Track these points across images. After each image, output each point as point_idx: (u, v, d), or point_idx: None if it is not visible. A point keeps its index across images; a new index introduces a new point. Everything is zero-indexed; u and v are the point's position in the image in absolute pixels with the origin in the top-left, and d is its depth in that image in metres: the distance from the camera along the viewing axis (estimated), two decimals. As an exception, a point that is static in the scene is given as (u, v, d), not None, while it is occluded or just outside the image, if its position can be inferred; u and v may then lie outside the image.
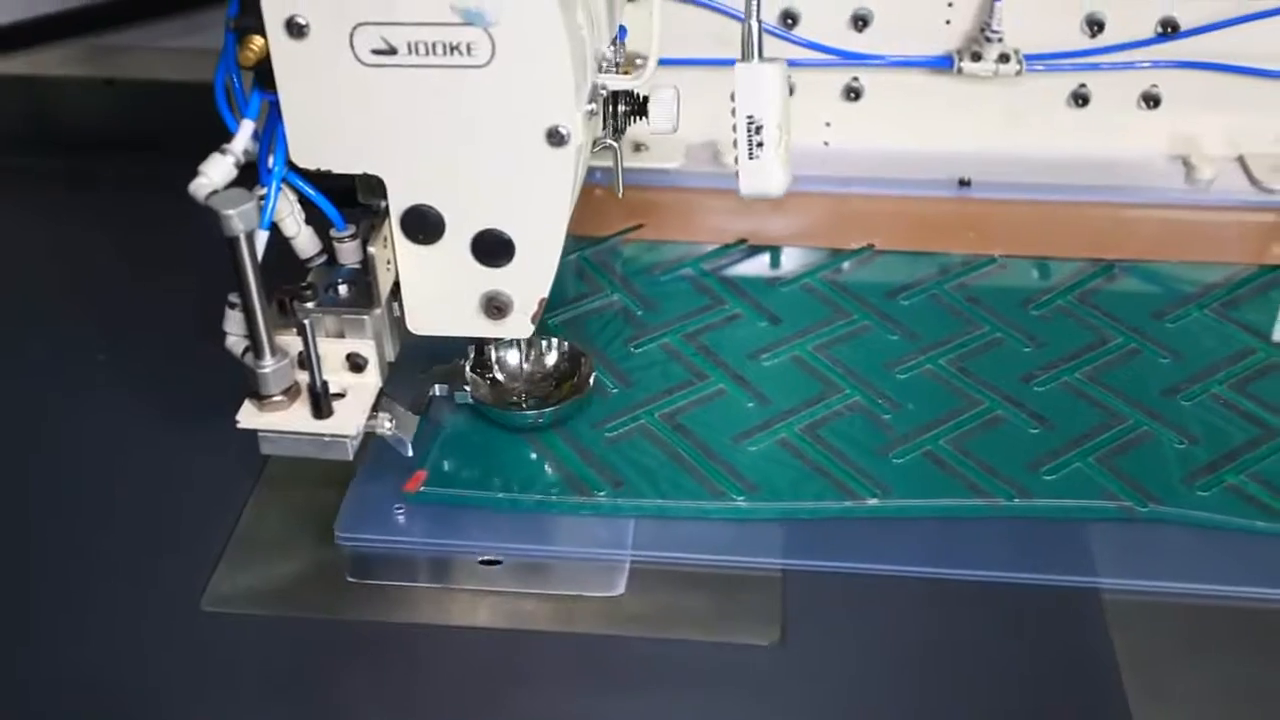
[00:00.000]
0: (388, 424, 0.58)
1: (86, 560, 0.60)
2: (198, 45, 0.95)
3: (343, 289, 0.58)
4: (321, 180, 0.55)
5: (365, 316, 0.57)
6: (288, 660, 0.56)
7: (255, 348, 0.55)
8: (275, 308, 0.57)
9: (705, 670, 0.55)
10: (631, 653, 0.55)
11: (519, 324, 0.58)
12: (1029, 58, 0.80)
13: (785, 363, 0.69)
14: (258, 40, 0.51)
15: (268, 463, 0.62)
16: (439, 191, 0.54)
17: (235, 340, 0.57)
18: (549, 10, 0.50)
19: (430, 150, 0.53)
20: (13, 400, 0.69)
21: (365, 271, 0.57)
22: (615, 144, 0.60)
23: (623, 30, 0.62)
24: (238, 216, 0.51)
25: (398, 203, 0.55)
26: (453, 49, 0.51)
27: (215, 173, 0.53)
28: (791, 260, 0.77)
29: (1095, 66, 0.80)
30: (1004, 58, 0.79)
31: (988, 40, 0.79)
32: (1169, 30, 0.79)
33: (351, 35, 0.51)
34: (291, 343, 0.56)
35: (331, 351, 0.57)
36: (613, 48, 0.59)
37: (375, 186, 0.55)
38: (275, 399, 0.56)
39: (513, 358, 0.66)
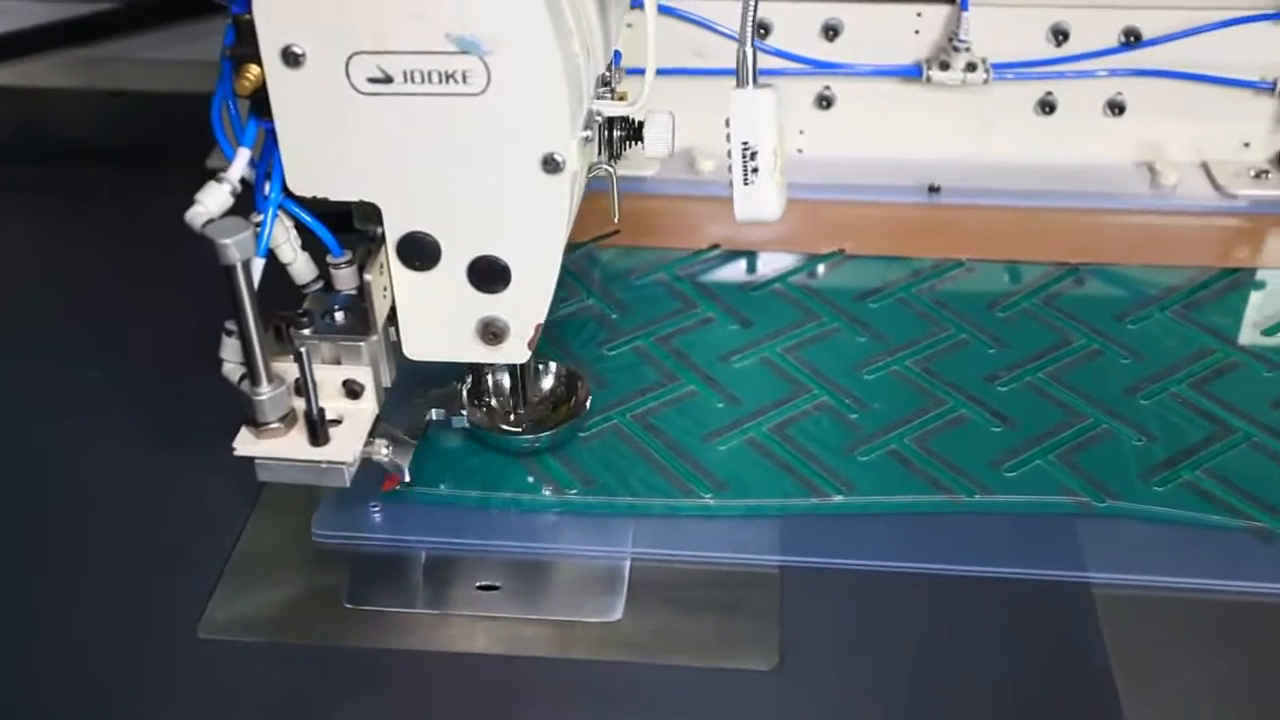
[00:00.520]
0: (384, 450, 0.59)
1: (80, 587, 0.60)
2: (188, 56, 0.96)
3: (339, 315, 0.58)
4: (318, 206, 0.55)
5: (361, 343, 0.57)
6: (284, 689, 0.56)
7: (252, 375, 0.55)
8: (271, 334, 0.57)
9: (704, 697, 0.54)
10: (630, 679, 0.55)
11: (515, 349, 0.58)
12: (996, 67, 0.82)
13: (755, 364, 0.70)
14: (254, 69, 0.52)
15: (264, 487, 0.62)
16: (435, 218, 0.55)
17: (232, 367, 0.57)
18: (544, 39, 0.50)
19: (426, 178, 0.54)
20: (4, 421, 0.69)
21: (361, 298, 0.57)
22: (611, 169, 0.60)
23: (618, 55, 0.62)
24: (234, 245, 0.51)
25: (394, 230, 0.55)
26: (448, 77, 0.51)
27: (212, 201, 0.53)
28: (764, 265, 0.78)
29: (1061, 75, 0.82)
30: (971, 67, 0.81)
31: (955, 50, 0.81)
32: (1132, 39, 0.81)
33: (347, 64, 0.51)
34: (288, 369, 0.56)
35: (328, 378, 0.58)
36: (608, 72, 0.59)
37: (372, 213, 0.55)
38: (272, 426, 0.56)
39: (509, 382, 0.65)
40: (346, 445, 0.57)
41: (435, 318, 0.58)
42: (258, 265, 0.55)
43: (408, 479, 0.61)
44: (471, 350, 0.58)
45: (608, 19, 0.59)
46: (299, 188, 0.54)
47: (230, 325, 0.56)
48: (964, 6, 0.80)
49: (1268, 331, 0.72)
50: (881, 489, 0.62)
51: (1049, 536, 0.61)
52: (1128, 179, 0.84)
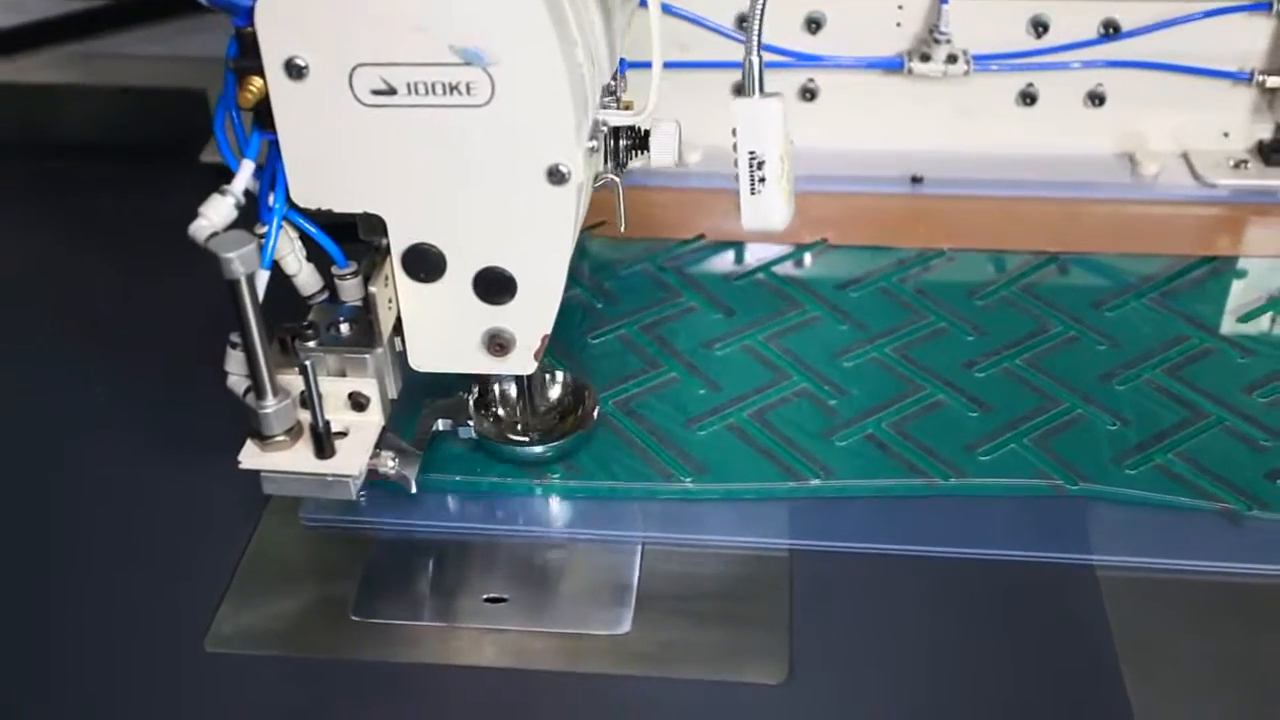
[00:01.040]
0: (390, 462, 0.59)
1: (86, 599, 0.59)
2: (180, 52, 0.97)
3: (344, 327, 0.58)
4: (323, 216, 0.55)
5: (367, 355, 0.57)
6: (291, 702, 0.55)
7: (257, 388, 0.55)
8: (277, 346, 0.57)
9: (713, 712, 0.54)
10: (638, 693, 0.55)
11: (522, 360, 0.58)
12: (977, 58, 0.83)
13: (737, 352, 0.71)
14: (256, 81, 0.52)
15: (270, 499, 0.61)
16: (440, 230, 0.55)
17: (237, 380, 0.57)
18: (548, 49, 0.50)
19: (430, 189, 0.54)
20: (9, 431, 0.69)
21: (367, 310, 0.57)
22: (617, 179, 0.59)
23: (623, 63, 0.62)
24: (238, 259, 0.50)
25: (399, 241, 0.55)
26: (452, 89, 0.51)
27: (215, 214, 0.53)
28: (747, 256, 0.79)
29: (1042, 66, 0.83)
30: (952, 58, 0.82)
31: (936, 42, 0.82)
32: (1111, 31, 0.82)
33: (351, 76, 0.51)
34: (293, 382, 0.56)
35: (333, 390, 0.58)
36: (614, 81, 0.59)
37: (376, 224, 0.55)
38: (277, 439, 0.56)
39: (516, 391, 0.65)
40: (352, 458, 0.57)
41: (441, 329, 0.58)
42: (262, 277, 0.55)
43: (414, 491, 0.61)
44: (477, 362, 0.59)
45: (612, 27, 0.59)
46: (302, 200, 0.54)
47: (235, 338, 0.56)
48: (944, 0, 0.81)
49: (1243, 318, 0.73)
50: (858, 473, 0.63)
51: (1042, 519, 0.61)
52: (1108, 169, 0.85)
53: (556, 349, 0.70)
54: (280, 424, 0.56)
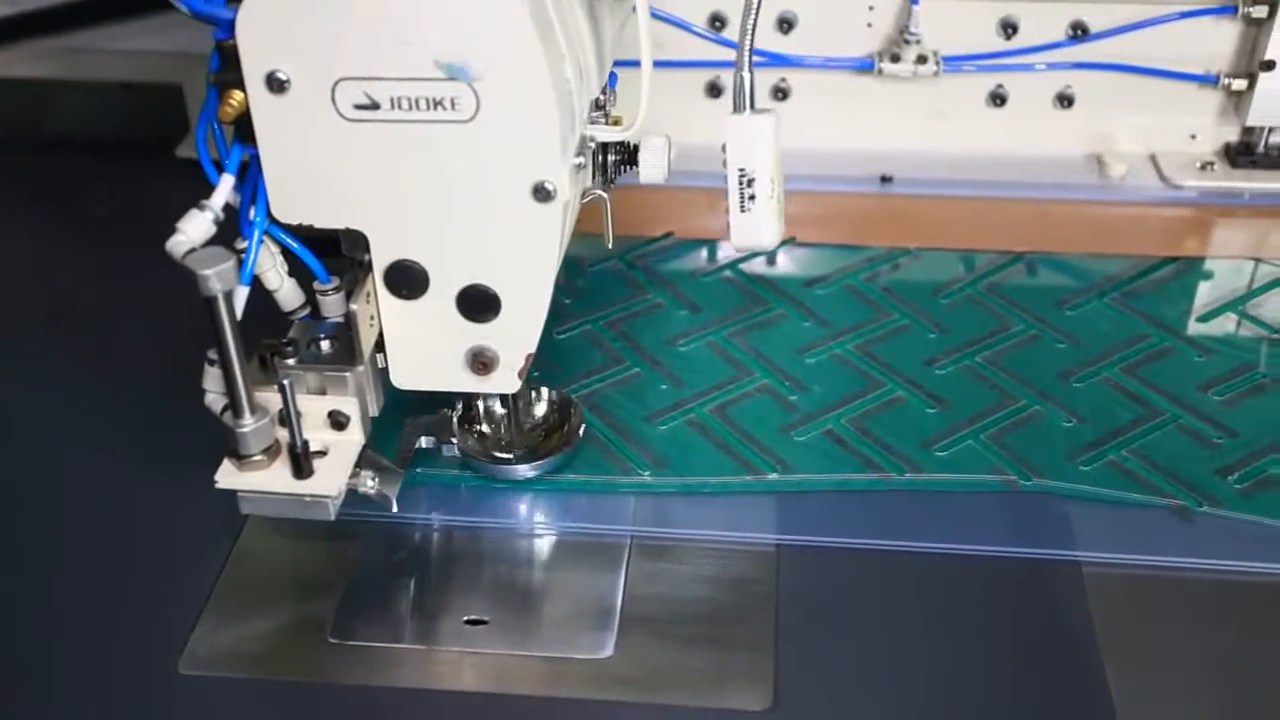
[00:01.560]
0: (370, 482, 0.57)
1: (57, 620, 0.58)
2: (157, 47, 0.98)
3: (325, 344, 0.57)
4: (305, 230, 0.54)
5: (347, 374, 0.56)
6: None
7: (234, 407, 0.54)
8: (256, 363, 0.56)
9: None
10: (621, 719, 0.54)
11: (505, 379, 0.58)
12: (947, 59, 0.83)
13: (700, 348, 0.72)
14: (237, 95, 0.51)
15: (248, 517, 0.61)
16: (423, 247, 0.54)
17: (214, 398, 0.56)
18: (535, 65, 0.49)
19: (414, 206, 0.53)
20: None
21: (348, 327, 0.56)
22: (605, 194, 0.59)
23: (613, 77, 0.62)
24: (215, 276, 0.49)
25: (381, 258, 0.54)
26: (436, 104, 0.50)
27: (193, 230, 0.52)
28: (715, 253, 0.80)
29: (1011, 67, 0.84)
30: (922, 59, 0.83)
31: (906, 42, 0.83)
32: (1080, 33, 0.82)
33: (333, 90, 0.50)
34: (272, 400, 0.55)
35: (313, 409, 0.56)
36: (603, 95, 0.58)
37: (359, 240, 0.54)
38: (255, 458, 0.55)
39: (501, 408, 0.64)
40: (331, 478, 0.56)
41: (424, 347, 0.57)
42: (242, 293, 0.54)
43: (395, 510, 0.59)
44: (461, 380, 0.58)
45: (602, 41, 0.58)
46: (283, 215, 0.54)
47: (212, 355, 0.55)
48: (914, 0, 0.81)
49: (1203, 318, 0.74)
50: (815, 467, 0.64)
51: (1001, 515, 0.62)
52: (1077, 170, 0.86)
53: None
54: (258, 443, 0.55)
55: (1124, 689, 0.54)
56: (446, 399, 0.63)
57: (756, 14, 0.57)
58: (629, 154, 0.59)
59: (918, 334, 0.73)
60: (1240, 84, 0.83)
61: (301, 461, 0.55)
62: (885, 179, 0.85)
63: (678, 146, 0.84)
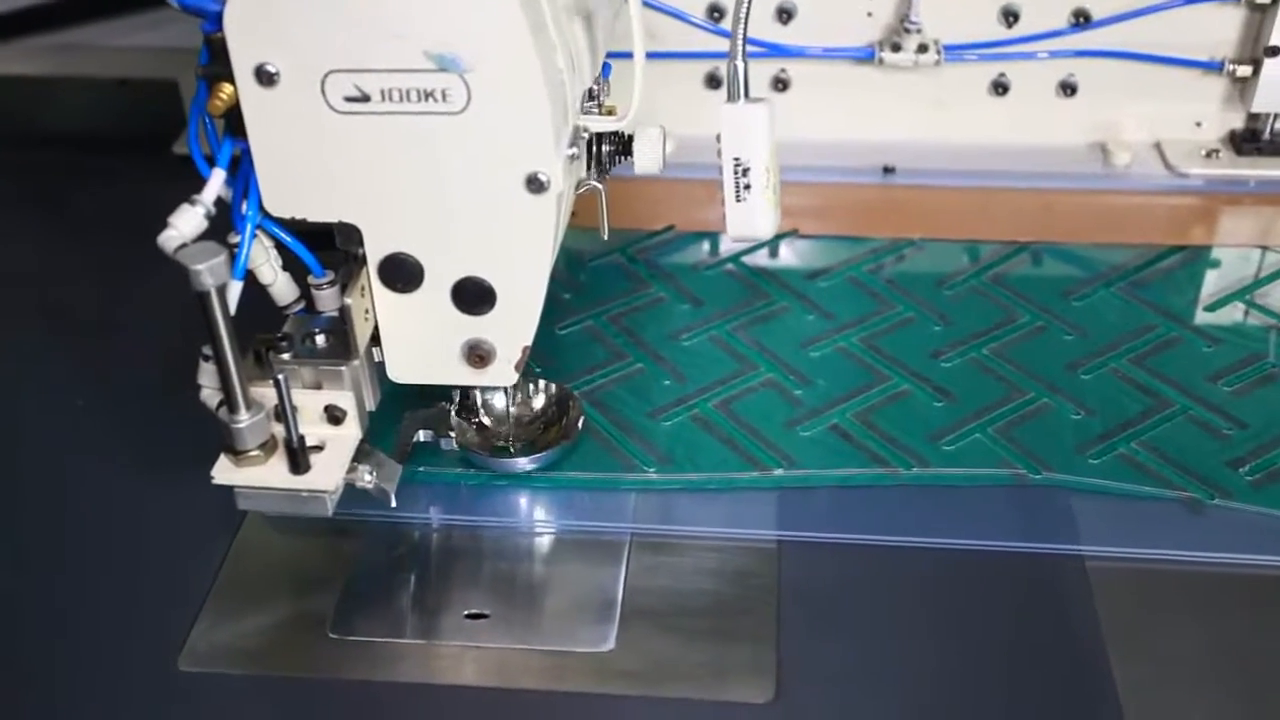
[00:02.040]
0: (368, 476, 0.57)
1: (57, 617, 0.58)
2: (149, 43, 0.97)
3: (320, 339, 0.56)
4: (299, 223, 0.54)
5: (343, 368, 0.56)
6: None
7: (229, 402, 0.53)
8: (251, 358, 0.56)
9: None
10: (622, 713, 0.54)
11: (502, 372, 0.57)
12: (949, 48, 0.82)
13: (703, 342, 0.71)
14: (227, 88, 0.50)
15: (246, 513, 0.60)
16: (417, 240, 0.54)
17: (210, 393, 0.56)
18: (526, 56, 0.49)
19: (407, 198, 0.53)
20: None
21: (343, 321, 0.56)
22: (600, 185, 0.59)
23: (607, 67, 0.61)
24: (207, 271, 0.49)
25: (375, 251, 0.54)
26: (427, 95, 0.50)
27: (185, 225, 0.52)
28: (717, 246, 0.79)
29: (1013, 56, 0.83)
30: (923, 48, 0.82)
31: (907, 31, 0.82)
32: (1082, 20, 0.82)
33: (323, 83, 0.50)
34: (267, 395, 0.54)
35: (309, 403, 0.56)
36: (596, 85, 0.58)
37: (352, 233, 0.54)
38: (251, 454, 0.54)
39: (499, 401, 0.64)
40: (328, 473, 0.55)
41: (419, 340, 0.57)
42: (236, 288, 0.54)
43: (394, 505, 0.58)
44: (457, 373, 0.58)
45: (594, 31, 0.58)
46: (275, 209, 0.53)
47: (206, 350, 0.54)
48: (915, -12, 0.81)
49: (1210, 308, 0.73)
50: (821, 463, 0.63)
51: (1011, 509, 0.61)
52: (1081, 159, 0.85)
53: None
54: (254, 438, 0.54)
55: (1131, 684, 0.53)
56: (444, 392, 0.63)
57: (750, 2, 0.57)
58: (623, 144, 0.58)
59: (923, 326, 0.72)
60: (1245, 70, 0.82)
61: (298, 456, 0.55)
62: (887, 169, 0.84)
63: (677, 138, 0.83)
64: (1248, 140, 0.84)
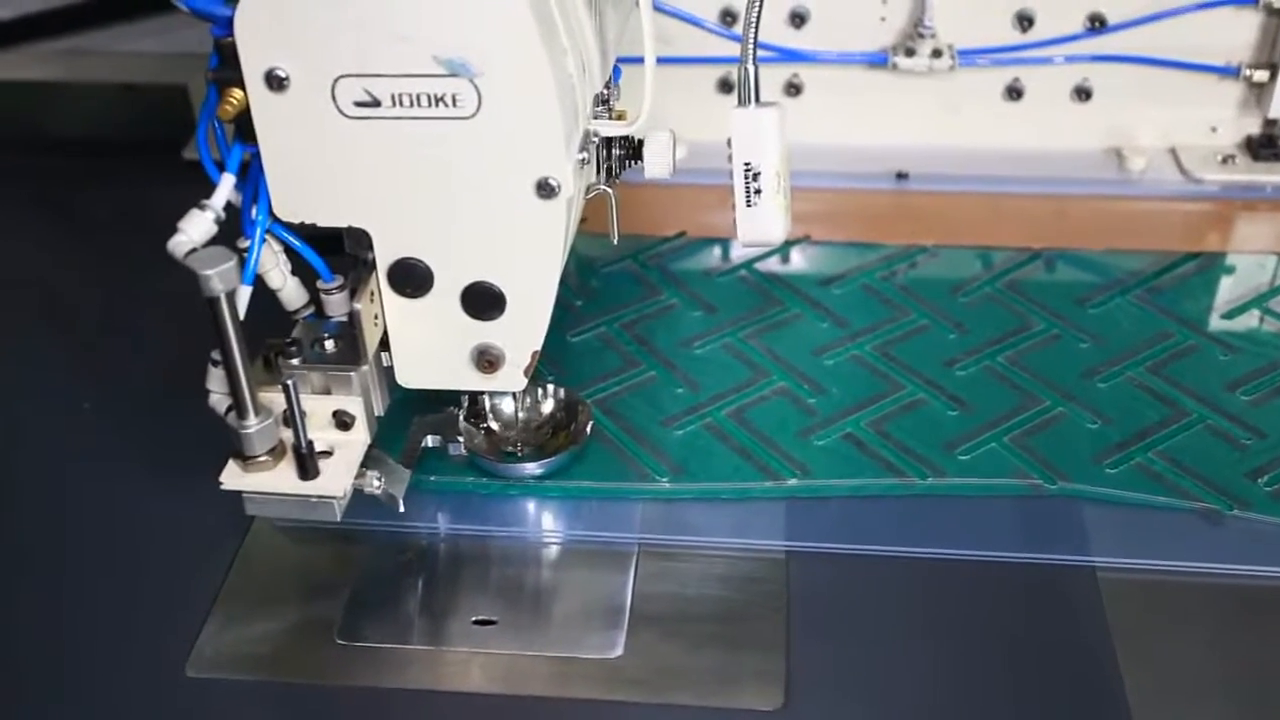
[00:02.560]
0: (376, 482, 0.57)
1: (65, 624, 0.57)
2: (163, 49, 0.97)
3: (329, 344, 0.56)
4: (308, 228, 0.54)
5: (351, 373, 0.56)
6: None
7: (238, 407, 0.53)
8: (260, 363, 0.56)
9: None
10: (630, 719, 0.53)
11: (511, 377, 0.57)
12: (962, 53, 0.82)
13: (716, 350, 0.71)
14: (237, 93, 0.50)
15: (254, 518, 0.60)
16: (426, 244, 0.54)
17: (218, 398, 0.56)
18: (537, 60, 0.49)
19: (416, 203, 0.52)
20: None
21: (352, 326, 0.56)
22: (610, 190, 0.58)
23: (617, 71, 0.61)
24: (217, 277, 0.49)
25: (384, 256, 0.54)
26: (438, 100, 0.50)
27: (194, 230, 0.52)
28: (729, 252, 0.79)
29: (1028, 61, 0.83)
30: (937, 53, 0.82)
31: (921, 36, 0.81)
32: (1097, 25, 0.81)
33: (333, 87, 0.50)
34: (276, 400, 0.54)
35: (318, 409, 0.56)
36: (606, 90, 0.58)
37: (362, 238, 0.54)
38: (260, 459, 0.54)
39: (508, 406, 0.64)
40: (337, 479, 0.55)
41: (428, 345, 0.57)
42: (245, 293, 0.53)
43: (402, 510, 0.58)
44: (467, 378, 0.57)
45: (605, 35, 0.57)
46: (285, 214, 0.53)
47: (216, 355, 0.54)
48: (928, -7, 0.80)
49: (1227, 315, 0.72)
50: (836, 473, 0.63)
51: (1026, 519, 0.61)
52: (1095, 164, 0.84)
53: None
54: (262, 444, 0.54)
55: (1143, 696, 0.53)
56: (452, 397, 0.62)
57: (760, 6, 0.57)
58: (634, 149, 0.58)
59: (937, 334, 0.72)
60: (1262, 75, 0.81)
61: (307, 462, 0.55)
62: (901, 175, 0.84)
63: (689, 144, 0.83)
64: (1264, 146, 0.84)
